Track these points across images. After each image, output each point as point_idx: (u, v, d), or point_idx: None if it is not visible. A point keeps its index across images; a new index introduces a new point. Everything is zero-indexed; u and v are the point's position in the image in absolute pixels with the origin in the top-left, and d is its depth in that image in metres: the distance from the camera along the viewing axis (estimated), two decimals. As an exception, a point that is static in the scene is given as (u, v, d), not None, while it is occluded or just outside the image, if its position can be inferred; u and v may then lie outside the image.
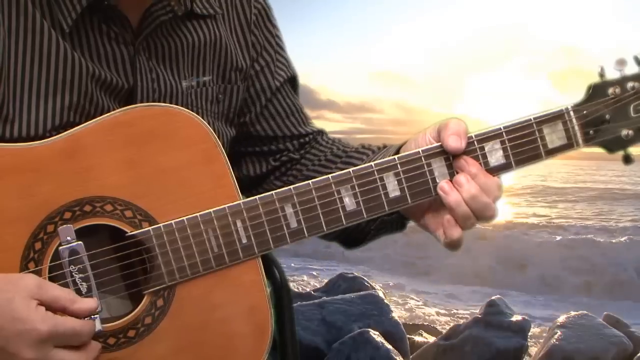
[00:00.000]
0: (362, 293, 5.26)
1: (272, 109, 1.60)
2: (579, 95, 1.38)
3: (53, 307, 1.16)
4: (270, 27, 1.61)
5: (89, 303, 1.19)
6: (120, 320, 1.26)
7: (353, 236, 1.56)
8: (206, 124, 1.31)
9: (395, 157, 1.33)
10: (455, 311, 8.92)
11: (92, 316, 1.20)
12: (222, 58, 1.51)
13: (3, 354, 1.12)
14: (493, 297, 5.72)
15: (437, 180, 1.33)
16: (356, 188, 1.32)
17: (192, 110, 1.32)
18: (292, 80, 1.65)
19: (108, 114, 1.28)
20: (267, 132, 1.60)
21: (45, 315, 1.14)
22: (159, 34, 1.42)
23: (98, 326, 1.21)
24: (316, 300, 5.05)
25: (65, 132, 1.27)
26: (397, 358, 4.36)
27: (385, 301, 5.17)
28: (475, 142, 1.34)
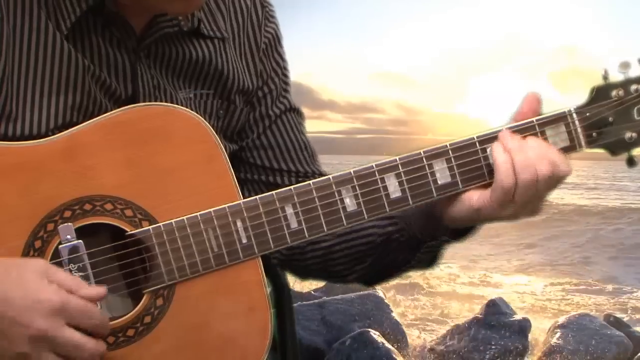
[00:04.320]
0: (362, 293, 5.27)
1: (272, 138, 1.56)
2: (579, 95, 1.38)
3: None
4: (278, 57, 1.59)
5: (96, 289, 1.20)
6: (120, 319, 1.26)
7: (385, 269, 1.53)
8: (206, 123, 1.30)
9: (397, 157, 1.32)
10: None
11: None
12: (226, 79, 1.49)
13: (15, 326, 1.12)
14: (493, 298, 5.72)
15: (439, 182, 1.33)
16: (357, 189, 1.31)
17: None
18: (297, 112, 1.61)
19: (108, 114, 1.28)
20: (264, 162, 1.56)
21: (57, 288, 1.15)
22: (163, 43, 1.41)
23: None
24: (316, 300, 5.06)
25: (66, 131, 1.27)
26: (397, 358, 4.37)
27: (386, 301, 5.17)
28: (477, 144, 1.33)
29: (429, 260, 1.50)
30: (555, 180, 1.31)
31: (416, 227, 1.44)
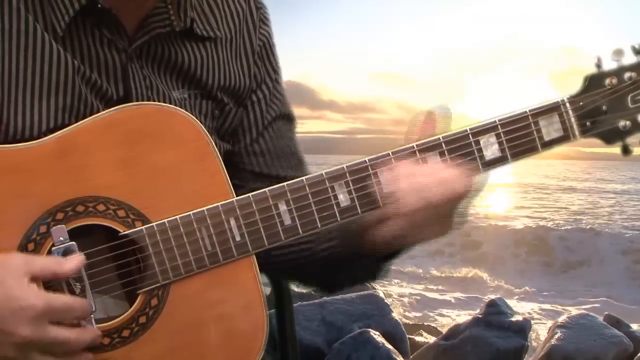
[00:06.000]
0: (362, 293, 5.25)
1: (263, 145, 1.56)
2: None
3: (44, 276, 1.17)
4: (272, 61, 1.58)
5: (75, 259, 1.20)
6: (115, 320, 1.25)
7: (327, 281, 1.54)
8: (198, 122, 1.30)
9: (389, 152, 1.32)
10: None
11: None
12: (220, 80, 1.48)
13: (0, 334, 1.12)
14: (493, 298, 5.71)
15: None
16: (350, 184, 1.31)
17: None
18: (287, 118, 1.60)
19: (100, 113, 1.27)
20: (254, 168, 1.55)
21: (38, 291, 1.15)
22: (156, 43, 1.40)
23: (92, 326, 1.20)
24: (316, 300, 5.03)
25: (57, 132, 1.26)
26: (397, 358, 4.35)
27: (386, 301, 5.16)
28: (470, 136, 1.33)
29: (367, 276, 1.52)
30: (455, 198, 1.29)
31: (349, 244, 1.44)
